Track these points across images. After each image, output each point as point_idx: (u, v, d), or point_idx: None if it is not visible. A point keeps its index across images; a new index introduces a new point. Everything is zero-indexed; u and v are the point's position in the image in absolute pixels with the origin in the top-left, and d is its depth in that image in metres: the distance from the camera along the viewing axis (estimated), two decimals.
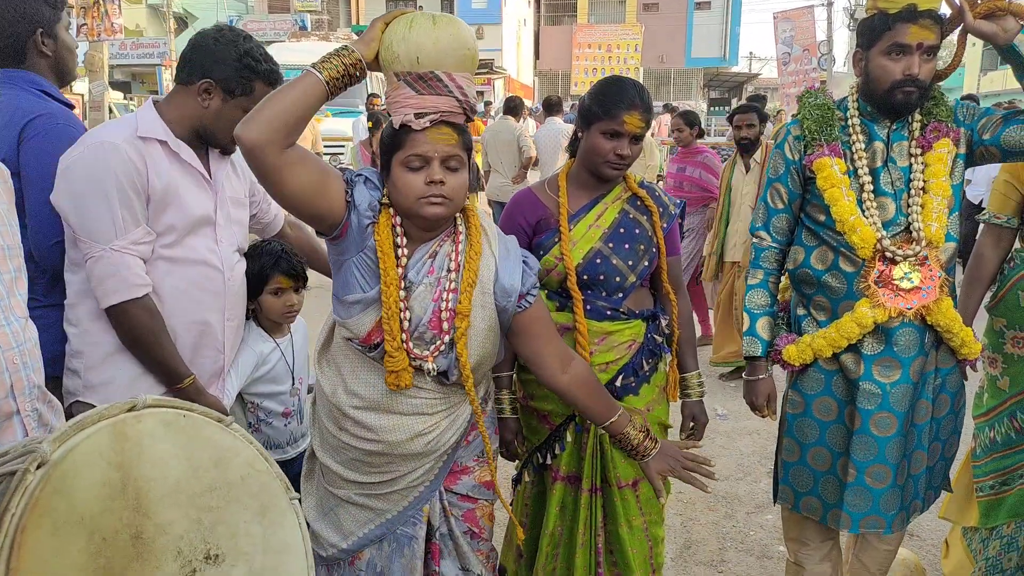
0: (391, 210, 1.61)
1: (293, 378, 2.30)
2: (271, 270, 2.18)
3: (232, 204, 1.97)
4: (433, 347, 1.61)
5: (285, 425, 2.30)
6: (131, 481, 0.89)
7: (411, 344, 1.60)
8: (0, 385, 1.41)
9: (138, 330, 1.77)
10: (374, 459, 1.69)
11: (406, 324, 1.59)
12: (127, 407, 0.94)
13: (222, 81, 1.84)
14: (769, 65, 33.49)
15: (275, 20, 24.32)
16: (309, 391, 2.42)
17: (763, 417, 2.22)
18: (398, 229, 1.61)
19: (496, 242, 1.68)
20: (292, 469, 2.31)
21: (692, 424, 2.17)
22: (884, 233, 1.97)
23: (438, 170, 1.54)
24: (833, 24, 21.72)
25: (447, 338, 1.60)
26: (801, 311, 2.17)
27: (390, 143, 1.58)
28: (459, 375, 1.63)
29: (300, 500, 1.14)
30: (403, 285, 1.59)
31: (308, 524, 1.78)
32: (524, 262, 1.69)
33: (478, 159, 7.46)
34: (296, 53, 13.75)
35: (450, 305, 1.60)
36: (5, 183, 1.60)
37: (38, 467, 0.81)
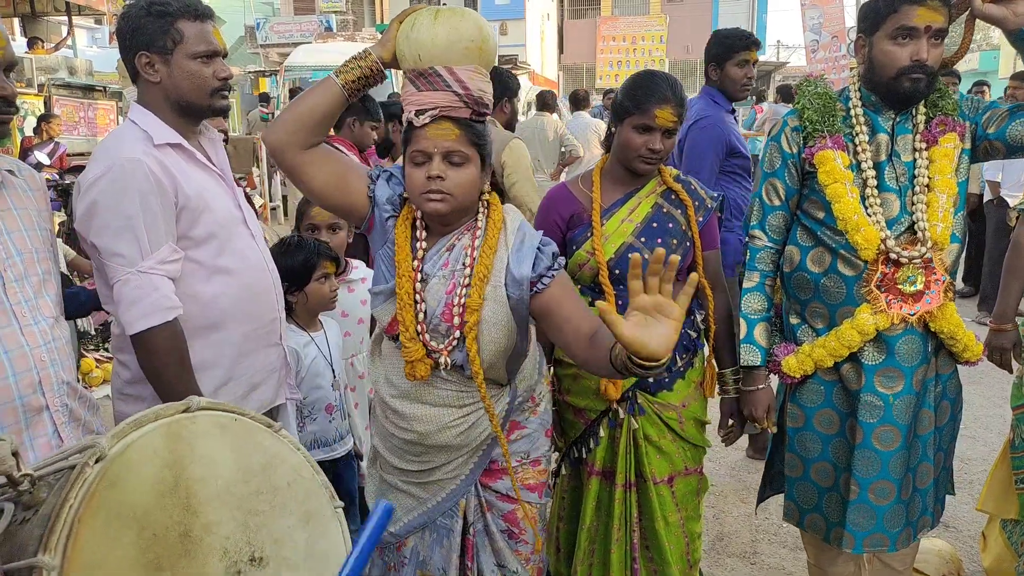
0: (412, 204, 1.66)
1: (333, 371, 2.36)
2: (316, 258, 2.27)
3: (240, 194, 1.94)
4: (448, 340, 1.64)
5: (330, 421, 2.36)
6: (182, 480, 0.90)
7: (427, 336, 1.64)
8: (28, 381, 1.49)
9: (165, 356, 1.66)
10: (411, 448, 1.75)
11: (421, 316, 1.63)
12: (182, 408, 0.95)
13: (149, 45, 1.74)
14: (797, 53, 32.96)
15: (301, 22, 24.50)
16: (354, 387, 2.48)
17: (762, 430, 2.11)
18: (418, 223, 1.66)
19: (512, 235, 1.67)
20: (340, 468, 2.37)
21: (731, 421, 2.16)
22: (888, 233, 1.86)
23: (437, 165, 1.56)
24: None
25: (458, 332, 1.63)
26: (795, 319, 2.05)
27: (403, 139, 1.64)
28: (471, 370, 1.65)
29: (345, 509, 1.15)
30: (419, 277, 1.63)
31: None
32: (539, 249, 1.65)
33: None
34: (323, 54, 13.86)
35: (462, 300, 1.62)
36: (39, 190, 1.67)
37: (96, 461, 0.83)
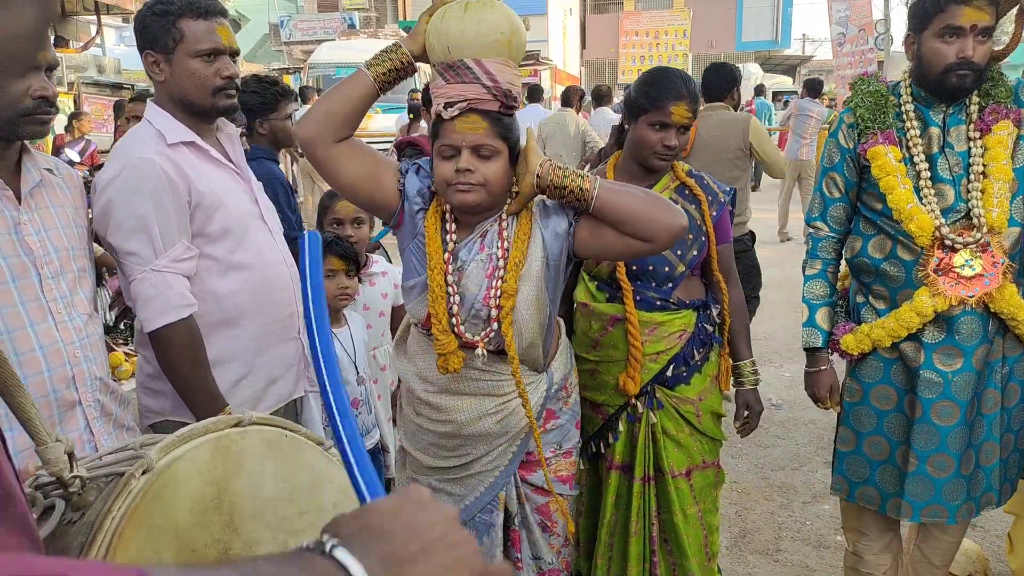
0: (441, 197, 1.67)
1: (356, 367, 2.38)
2: (323, 253, 2.27)
3: (257, 190, 1.94)
4: (487, 330, 1.66)
5: (356, 415, 2.38)
6: (227, 497, 0.87)
7: (463, 328, 1.66)
8: (62, 377, 1.52)
9: (181, 353, 1.68)
10: (447, 441, 1.75)
11: (455, 308, 1.64)
12: (233, 422, 0.92)
13: (153, 44, 1.75)
14: (823, 46, 32.53)
15: (324, 19, 24.66)
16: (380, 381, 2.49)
17: (826, 409, 2.19)
18: (448, 215, 1.67)
19: (539, 211, 1.70)
20: None
21: (746, 413, 2.17)
22: (943, 220, 1.92)
23: (466, 158, 1.57)
24: (891, 2, 20.96)
25: (495, 312, 1.64)
26: (860, 299, 2.14)
27: (432, 133, 1.64)
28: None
29: None
30: (450, 270, 1.64)
31: None
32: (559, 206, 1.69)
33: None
34: (346, 51, 13.95)
35: (499, 284, 1.65)
36: (76, 188, 1.70)
37: (143, 472, 0.82)
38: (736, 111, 4.19)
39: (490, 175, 1.58)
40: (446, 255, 1.65)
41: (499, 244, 1.66)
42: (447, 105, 1.56)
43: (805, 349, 2.17)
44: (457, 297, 1.65)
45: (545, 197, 1.67)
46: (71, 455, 0.83)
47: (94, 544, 0.77)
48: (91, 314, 1.64)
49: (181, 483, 0.85)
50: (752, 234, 4.10)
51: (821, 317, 2.14)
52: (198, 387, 1.70)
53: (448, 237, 1.66)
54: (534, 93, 8.46)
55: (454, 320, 1.65)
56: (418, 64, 1.64)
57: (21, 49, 0.55)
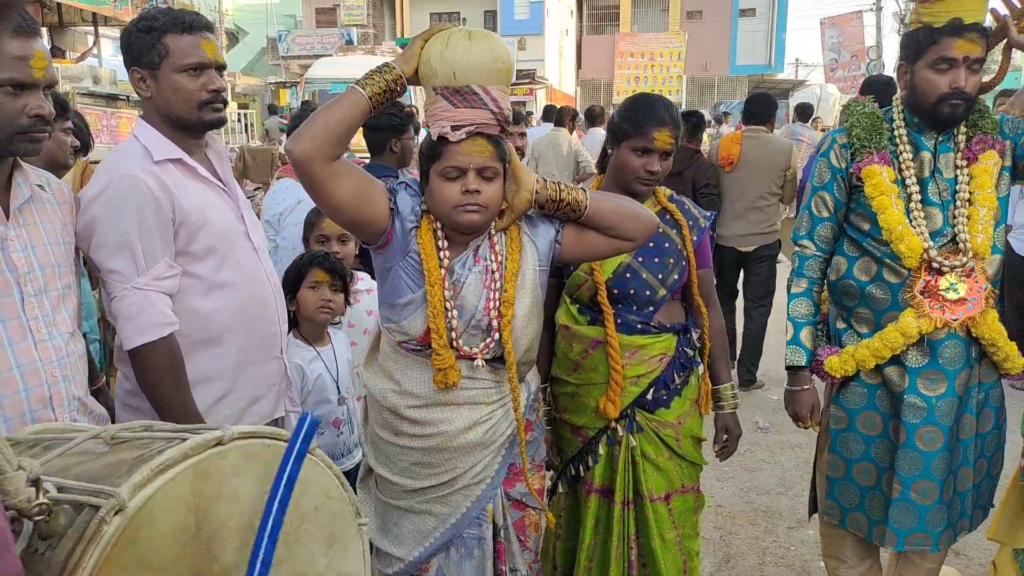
0: (431, 216, 1.68)
1: (339, 386, 2.36)
2: (308, 266, 2.26)
3: (244, 207, 1.94)
4: (487, 340, 1.69)
5: (338, 435, 2.35)
6: (206, 524, 0.85)
7: (461, 341, 1.67)
8: (39, 397, 1.50)
9: (160, 372, 1.67)
10: (433, 458, 1.73)
11: (454, 322, 1.66)
12: (214, 441, 0.89)
13: (140, 60, 1.75)
14: (816, 71, 32.89)
15: (322, 35, 24.81)
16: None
17: (806, 428, 2.20)
18: (439, 233, 1.68)
19: (525, 223, 1.76)
20: (350, 480, 2.37)
21: (725, 437, 2.17)
22: (931, 243, 1.95)
23: (473, 180, 1.60)
24: (883, 29, 21.26)
25: (496, 323, 1.68)
26: (841, 324, 2.14)
27: (429, 154, 1.64)
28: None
29: (366, 524, 1.12)
30: (447, 285, 1.66)
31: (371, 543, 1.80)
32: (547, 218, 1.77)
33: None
34: (343, 67, 14.00)
35: (498, 295, 1.68)
36: (66, 203, 1.69)
37: (115, 513, 0.78)
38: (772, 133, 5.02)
39: (492, 195, 1.63)
40: (442, 271, 1.66)
41: (492, 257, 1.70)
42: (454, 127, 1.58)
43: (788, 368, 2.18)
44: (455, 311, 1.67)
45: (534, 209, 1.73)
46: (38, 482, 0.80)
47: None
48: (73, 332, 1.63)
49: (157, 520, 0.82)
50: (779, 243, 4.91)
51: (805, 336, 2.15)
52: (177, 407, 1.69)
53: (442, 254, 1.68)
54: (551, 114, 8.09)
55: (452, 334, 1.67)
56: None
57: None
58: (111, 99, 10.65)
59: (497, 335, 1.68)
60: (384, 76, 1.60)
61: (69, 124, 2.69)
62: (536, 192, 1.67)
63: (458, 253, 1.70)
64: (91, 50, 12.75)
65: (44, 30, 12.20)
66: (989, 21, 1.94)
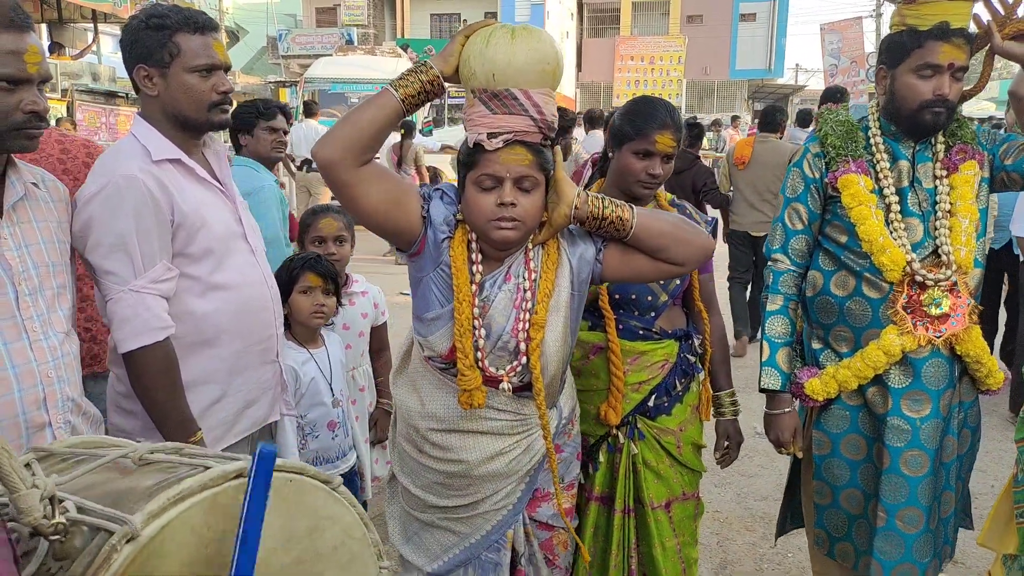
0: (467, 226, 1.60)
1: (332, 388, 2.34)
2: (300, 270, 2.24)
3: (242, 208, 1.91)
4: (514, 363, 1.60)
5: (333, 438, 2.34)
6: (217, 557, 0.83)
7: (487, 362, 1.60)
8: (33, 398, 1.48)
9: (155, 376, 1.64)
10: (454, 481, 1.69)
11: (481, 342, 1.58)
12: (234, 474, 0.87)
13: (147, 58, 1.72)
14: (816, 77, 32.97)
15: (322, 34, 24.79)
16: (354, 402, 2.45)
17: (789, 454, 2.09)
18: (473, 245, 1.60)
19: (565, 238, 1.66)
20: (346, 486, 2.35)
21: (726, 443, 2.14)
22: (914, 256, 1.88)
23: (509, 191, 1.50)
24: (882, 35, 21.33)
25: (524, 346, 1.59)
26: (818, 344, 2.05)
27: (466, 161, 1.55)
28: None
29: (389, 569, 1.07)
30: (476, 302, 1.58)
31: (395, 547, 1.78)
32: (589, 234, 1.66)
33: None
34: (343, 67, 14.00)
35: (528, 315, 1.59)
36: (61, 201, 1.67)
37: (127, 541, 0.77)
38: (782, 139, 5.96)
39: (530, 208, 1.53)
40: (473, 287, 1.58)
41: (526, 275, 1.61)
42: (491, 135, 1.49)
43: (762, 390, 2.07)
44: (483, 330, 1.58)
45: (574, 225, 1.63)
46: (53, 499, 0.78)
47: None
48: (68, 332, 1.60)
49: (170, 551, 0.80)
50: None
51: (782, 357, 2.04)
52: (171, 411, 1.66)
53: (474, 268, 1.59)
54: (594, 119, 7.94)
55: (479, 354, 1.58)
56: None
57: None
58: (110, 96, 10.64)
59: (524, 359, 1.59)
60: (419, 76, 1.51)
61: None
62: (576, 207, 1.56)
63: (491, 269, 1.61)
64: (90, 47, 12.73)
65: (43, 26, 12.18)
66: (973, 28, 1.88)
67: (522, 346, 1.59)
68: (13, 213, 1.52)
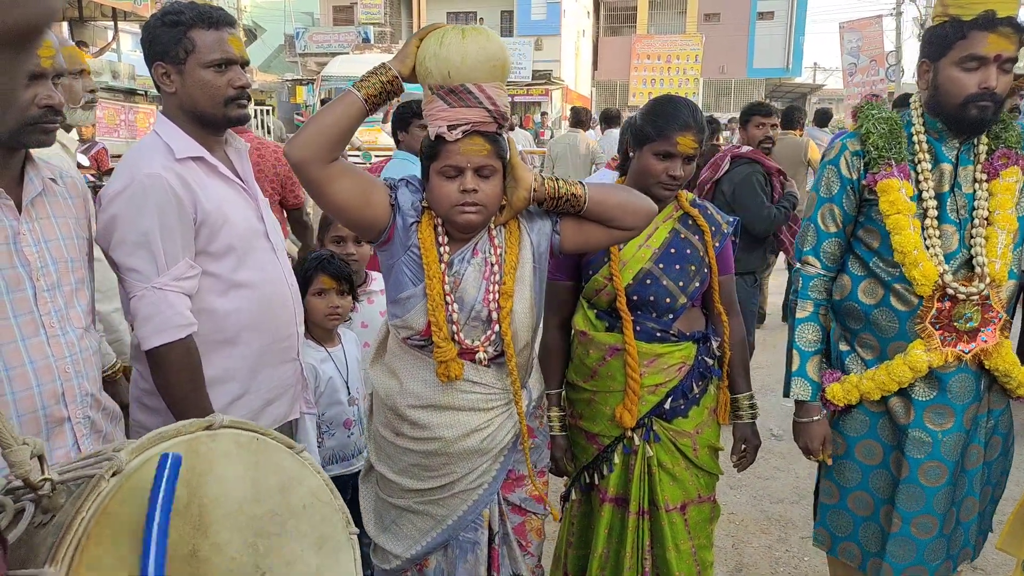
0: (432, 212, 1.69)
1: (348, 387, 2.35)
2: (315, 271, 2.25)
3: (263, 205, 1.92)
4: (488, 332, 1.69)
5: (349, 436, 2.35)
6: (196, 499, 0.89)
7: (462, 334, 1.68)
8: (52, 393, 1.49)
9: (177, 374, 1.65)
10: (431, 461, 1.74)
11: (455, 315, 1.67)
12: (204, 424, 0.95)
13: (164, 55, 1.73)
14: (834, 76, 32.69)
15: (339, 32, 24.88)
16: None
17: (819, 461, 2.07)
18: (440, 228, 1.69)
19: (524, 216, 1.76)
20: (358, 481, 2.36)
21: (744, 447, 2.13)
22: (947, 268, 1.81)
23: (471, 179, 1.60)
24: (902, 34, 21.07)
25: (495, 314, 1.68)
26: (844, 347, 2.01)
27: (428, 153, 1.65)
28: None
29: (359, 535, 1.12)
30: (447, 279, 1.67)
31: (370, 538, 1.82)
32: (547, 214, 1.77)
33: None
34: (359, 64, 14.05)
35: (497, 287, 1.69)
36: (79, 197, 1.68)
37: (113, 474, 0.83)
38: (801, 137, 6.61)
39: (490, 193, 1.64)
40: (442, 265, 1.67)
41: (491, 250, 1.71)
42: (450, 127, 1.59)
43: (785, 395, 2.03)
44: (455, 305, 1.67)
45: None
46: (41, 457, 0.83)
47: (62, 544, 0.77)
48: (87, 327, 1.62)
49: (150, 485, 0.84)
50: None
51: (812, 368, 1.99)
52: (193, 408, 1.66)
53: (442, 249, 1.69)
54: (583, 117, 7.87)
55: (454, 327, 1.67)
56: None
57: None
58: (129, 94, 10.74)
59: (497, 327, 1.68)
60: (380, 77, 1.60)
61: None
62: (534, 190, 1.68)
63: (458, 248, 1.71)
64: (110, 45, 12.85)
65: (64, 24, 12.31)
66: (1022, 15, 1.80)
67: (494, 315, 1.68)
68: (32, 209, 1.53)
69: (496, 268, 1.70)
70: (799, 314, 2.02)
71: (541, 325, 1.84)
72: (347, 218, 1.69)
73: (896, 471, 1.92)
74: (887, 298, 1.90)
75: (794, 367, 2.01)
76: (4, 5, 0.42)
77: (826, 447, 2.02)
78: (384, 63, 1.63)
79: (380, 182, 1.71)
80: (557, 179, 1.70)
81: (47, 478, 0.83)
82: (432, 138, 1.62)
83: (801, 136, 6.62)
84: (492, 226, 1.73)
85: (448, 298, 1.66)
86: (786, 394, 2.03)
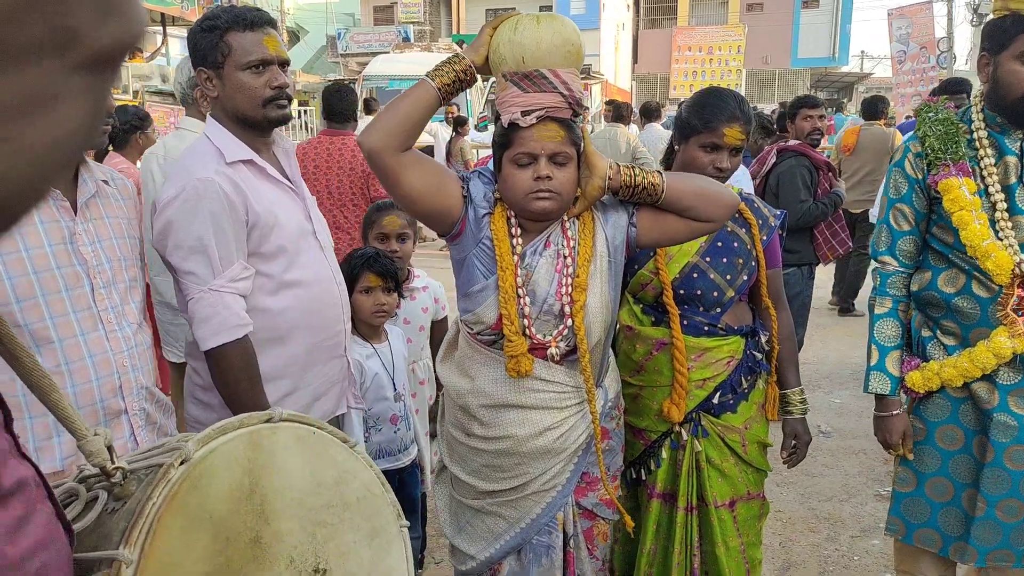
0: (504, 204, 1.68)
1: (394, 383, 2.38)
2: (361, 269, 2.28)
3: (311, 205, 1.94)
4: (560, 327, 1.66)
5: (395, 432, 2.37)
6: (258, 488, 0.92)
7: (533, 328, 1.66)
8: (110, 386, 1.55)
9: (236, 372, 1.69)
10: (503, 461, 1.73)
11: (527, 309, 1.65)
12: (265, 418, 0.98)
13: (203, 60, 1.77)
14: (882, 64, 31.80)
15: (380, 32, 25.12)
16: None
17: (898, 456, 2.07)
18: (512, 220, 1.67)
19: (598, 208, 1.74)
20: (404, 476, 2.39)
21: (794, 443, 2.10)
22: (1022, 256, 1.82)
23: (545, 166, 1.58)
24: (954, 20, 20.39)
25: (568, 309, 1.66)
26: (926, 332, 2.03)
27: (501, 141, 1.64)
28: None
29: (408, 528, 1.15)
30: (519, 272, 1.65)
31: (448, 540, 1.85)
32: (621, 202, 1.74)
33: None
34: (400, 63, 14.16)
35: (570, 280, 1.67)
36: (130, 199, 1.74)
37: (181, 463, 0.86)
38: (886, 127, 6.86)
39: (565, 181, 1.61)
40: (515, 257, 1.65)
41: (564, 243, 1.69)
42: (524, 113, 1.57)
43: (866, 390, 2.06)
44: (527, 298, 1.65)
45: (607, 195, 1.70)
46: (110, 448, 0.87)
47: (134, 529, 0.81)
48: (140, 323, 1.68)
49: (216, 473, 0.89)
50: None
51: (891, 362, 2.01)
52: (251, 404, 1.70)
53: (514, 240, 1.67)
54: (624, 112, 7.77)
55: (525, 321, 1.65)
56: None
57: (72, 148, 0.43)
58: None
59: (570, 321, 1.65)
60: (453, 66, 1.61)
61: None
62: (609, 179, 1.64)
63: (530, 240, 1.68)
64: (159, 49, 13.18)
65: None
66: None
67: (566, 309, 1.66)
68: (86, 210, 1.59)
69: (569, 261, 1.67)
70: (878, 310, 2.06)
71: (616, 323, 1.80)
72: (420, 208, 1.66)
73: (980, 455, 1.92)
74: (968, 285, 1.91)
75: (873, 361, 2.05)
76: (94, 19, 0.40)
77: (906, 441, 2.04)
78: (458, 53, 1.64)
79: (453, 173, 1.71)
80: (633, 167, 1.66)
81: (120, 466, 0.86)
82: (505, 125, 1.61)
83: (885, 126, 6.75)
84: (565, 218, 1.70)
85: (520, 291, 1.64)
86: (866, 389, 2.06)
